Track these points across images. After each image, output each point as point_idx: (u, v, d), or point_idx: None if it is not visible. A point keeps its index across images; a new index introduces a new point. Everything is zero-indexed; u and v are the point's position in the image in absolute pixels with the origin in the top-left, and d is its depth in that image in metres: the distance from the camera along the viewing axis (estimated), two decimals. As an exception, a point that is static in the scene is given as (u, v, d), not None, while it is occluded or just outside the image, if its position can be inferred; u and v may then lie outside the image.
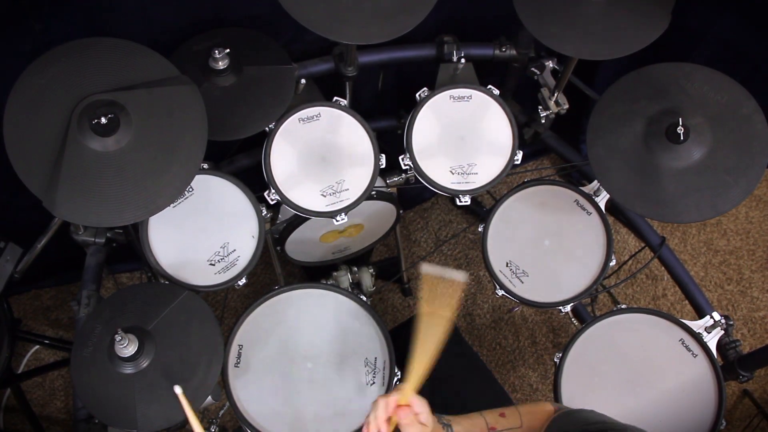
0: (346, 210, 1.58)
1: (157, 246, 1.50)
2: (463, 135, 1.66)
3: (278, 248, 1.89)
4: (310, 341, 1.53)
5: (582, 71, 1.86)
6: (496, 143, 1.66)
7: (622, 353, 1.58)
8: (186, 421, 1.31)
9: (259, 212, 1.56)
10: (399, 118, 2.08)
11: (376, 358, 1.52)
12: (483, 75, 1.81)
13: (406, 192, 2.04)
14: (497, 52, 1.86)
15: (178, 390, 1.17)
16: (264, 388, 1.48)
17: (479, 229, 1.75)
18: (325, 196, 1.58)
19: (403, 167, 1.64)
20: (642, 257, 2.49)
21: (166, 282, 1.50)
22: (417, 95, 1.66)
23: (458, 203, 1.65)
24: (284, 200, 1.54)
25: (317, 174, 1.58)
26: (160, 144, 1.27)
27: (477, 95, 1.68)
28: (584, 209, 1.74)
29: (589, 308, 2.22)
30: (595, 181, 1.73)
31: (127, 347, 1.27)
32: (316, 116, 1.60)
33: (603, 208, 1.72)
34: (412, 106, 1.66)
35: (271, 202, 1.55)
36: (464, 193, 1.64)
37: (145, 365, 1.31)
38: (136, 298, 1.40)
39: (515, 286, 1.71)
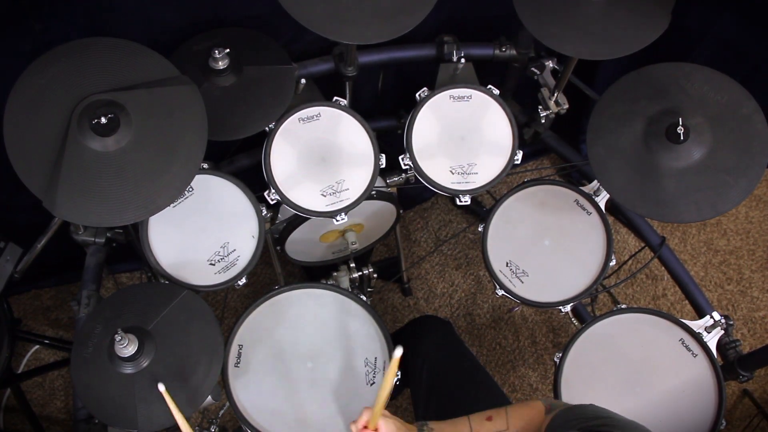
0: (346, 210, 1.58)
1: (157, 246, 1.50)
2: (463, 135, 1.66)
3: (278, 248, 1.89)
4: (310, 341, 1.53)
5: (582, 71, 1.86)
6: (496, 143, 1.66)
7: (622, 353, 1.58)
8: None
9: (259, 212, 1.56)
10: (399, 118, 2.08)
11: (376, 357, 1.52)
12: (483, 75, 1.81)
13: (406, 192, 2.04)
14: (497, 52, 1.86)
15: (161, 387, 1.16)
16: (264, 387, 1.48)
17: (479, 229, 1.75)
18: (325, 196, 1.58)
19: (403, 167, 1.64)
20: (642, 257, 2.49)
21: (166, 282, 1.50)
22: (417, 95, 1.66)
23: (458, 203, 1.65)
24: (284, 200, 1.54)
25: (317, 174, 1.58)
26: (160, 144, 1.26)
27: (477, 95, 1.68)
28: (584, 209, 1.74)
29: (589, 308, 2.22)
30: (595, 181, 1.73)
31: (127, 347, 1.27)
32: (316, 116, 1.60)
33: (603, 208, 1.72)
34: (412, 106, 1.65)
35: (271, 202, 1.55)
36: (464, 192, 1.64)
37: (145, 365, 1.31)
38: (136, 298, 1.40)
39: (515, 286, 1.71)
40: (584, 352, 1.58)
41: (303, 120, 1.59)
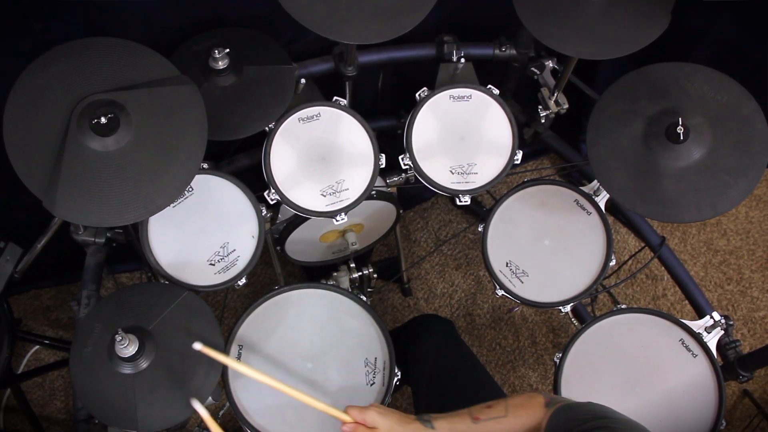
0: (346, 210, 1.58)
1: (157, 246, 1.50)
2: (463, 135, 1.66)
3: (278, 248, 1.88)
4: (310, 341, 1.53)
5: (582, 71, 1.86)
6: (496, 143, 1.66)
7: (622, 353, 1.58)
8: (186, 422, 1.32)
9: (259, 212, 1.56)
10: (399, 118, 2.08)
11: (376, 358, 1.52)
12: (483, 75, 1.81)
13: (406, 192, 2.04)
14: (497, 51, 1.86)
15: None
16: (264, 388, 1.45)
17: (479, 229, 1.74)
18: (325, 196, 1.58)
19: (403, 167, 1.64)
20: (642, 257, 2.49)
21: (166, 282, 1.50)
22: (417, 95, 1.66)
23: (458, 203, 1.65)
24: (284, 200, 1.54)
25: (317, 174, 1.58)
26: (160, 144, 1.26)
27: (477, 95, 1.68)
28: (584, 209, 1.74)
29: (589, 308, 2.22)
30: (595, 181, 1.72)
31: (128, 347, 1.27)
32: (316, 116, 1.60)
33: (603, 208, 1.71)
34: (412, 106, 1.65)
35: (271, 202, 1.55)
36: (464, 192, 1.64)
37: (145, 365, 1.31)
38: (136, 298, 1.40)
39: (515, 286, 1.71)
40: (584, 353, 1.58)
41: (303, 120, 1.59)
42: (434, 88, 1.67)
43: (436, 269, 2.66)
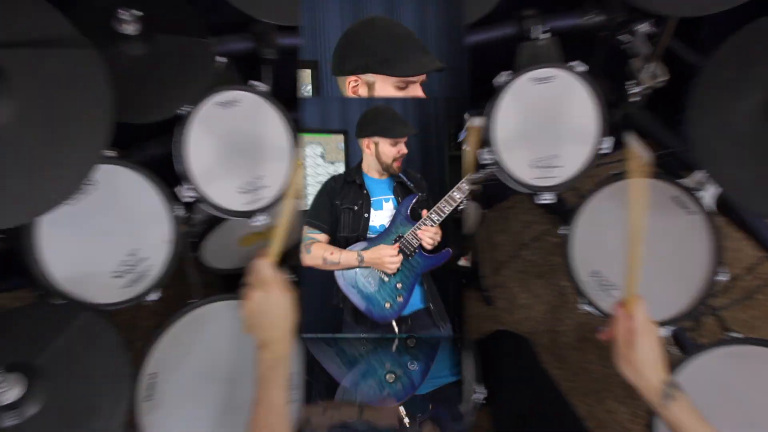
0: (265, 210, 1.51)
1: (48, 255, 1.41)
2: (544, 122, 1.61)
3: (193, 254, 1.87)
4: (233, 361, 1.43)
5: (681, 32, 1.66)
6: (582, 130, 1.55)
7: (735, 397, 1.41)
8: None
9: (173, 212, 1.50)
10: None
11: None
12: (563, 50, 1.73)
13: (486, 189, 1.97)
14: (581, 21, 1.70)
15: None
16: (183, 420, 1.34)
17: (562, 232, 1.66)
18: (243, 194, 1.51)
19: (484, 162, 1.62)
20: (763, 271, 2.22)
21: (60, 301, 1.40)
22: (494, 81, 1.61)
23: (540, 201, 1.59)
24: (200, 197, 1.46)
25: (236, 168, 1.52)
26: (49, 123, 1.12)
27: (560, 75, 1.57)
28: (685, 207, 1.56)
29: (690, 334, 1.98)
30: (700, 172, 1.54)
31: (9, 392, 1.12)
32: (236, 101, 1.54)
33: (710, 206, 1.55)
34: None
35: (185, 200, 1.49)
36: (545, 189, 1.54)
37: (33, 412, 1.13)
38: (19, 325, 1.26)
39: (602, 301, 1.57)
40: (686, 389, 1.43)
41: (221, 104, 1.51)
42: (513, 71, 1.61)
43: (518, 277, 2.43)
